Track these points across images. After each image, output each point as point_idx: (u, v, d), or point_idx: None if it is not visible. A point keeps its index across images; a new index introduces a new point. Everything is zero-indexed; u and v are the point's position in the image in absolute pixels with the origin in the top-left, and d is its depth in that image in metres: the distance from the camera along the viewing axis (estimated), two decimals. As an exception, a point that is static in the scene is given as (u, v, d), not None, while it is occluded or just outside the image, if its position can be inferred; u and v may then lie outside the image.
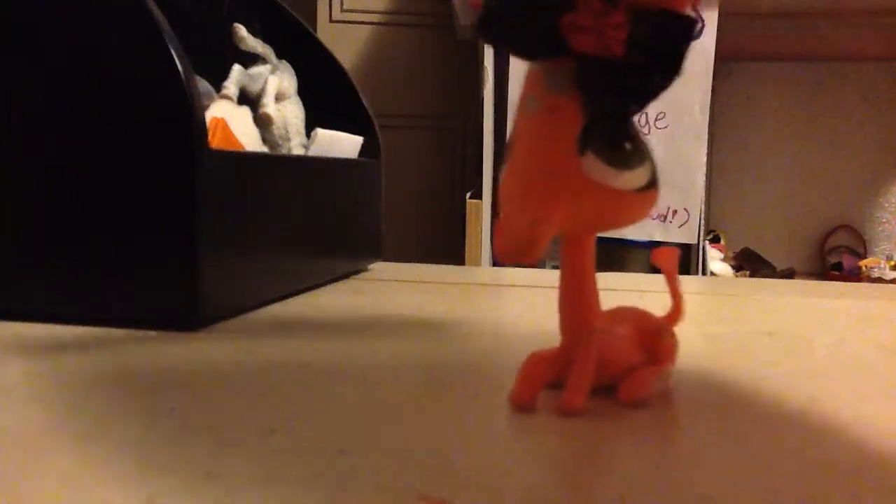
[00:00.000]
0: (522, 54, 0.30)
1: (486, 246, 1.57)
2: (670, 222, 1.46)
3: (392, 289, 0.66)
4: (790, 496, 0.25)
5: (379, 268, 0.76)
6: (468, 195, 1.61)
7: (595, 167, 0.29)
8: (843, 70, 2.14)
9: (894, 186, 2.18)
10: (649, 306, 0.37)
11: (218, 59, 0.65)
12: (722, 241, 2.07)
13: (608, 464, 0.28)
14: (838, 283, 0.88)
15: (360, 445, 0.29)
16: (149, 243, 0.47)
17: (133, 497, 0.24)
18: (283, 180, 0.57)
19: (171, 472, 0.26)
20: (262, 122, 0.67)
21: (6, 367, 0.39)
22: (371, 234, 0.73)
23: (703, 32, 1.41)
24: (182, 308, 0.47)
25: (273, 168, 0.57)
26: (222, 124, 0.58)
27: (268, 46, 0.70)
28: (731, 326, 0.53)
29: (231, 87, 0.64)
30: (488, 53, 1.56)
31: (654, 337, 0.36)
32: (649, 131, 1.41)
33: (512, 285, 0.70)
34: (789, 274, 2.03)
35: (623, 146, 0.29)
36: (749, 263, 2.02)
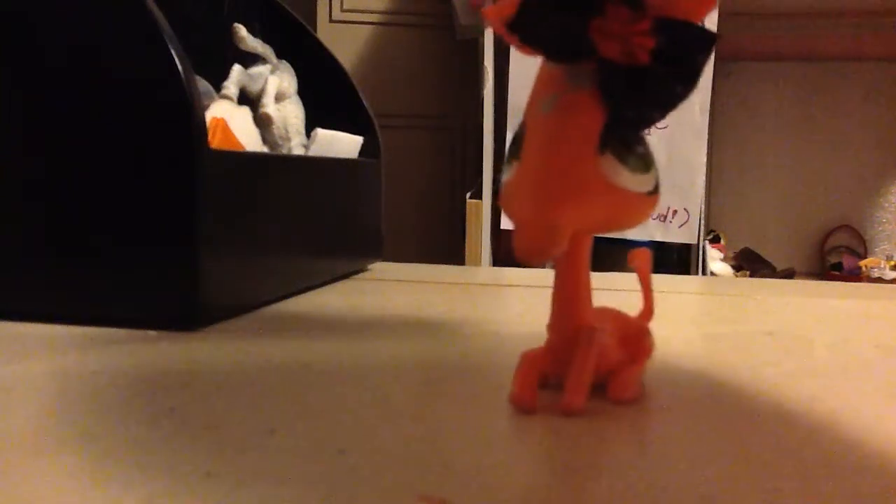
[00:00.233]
0: (549, 55, 0.30)
1: (486, 246, 1.57)
2: (670, 222, 1.46)
3: (392, 289, 0.66)
4: (790, 496, 0.25)
5: (379, 268, 0.76)
6: (468, 195, 1.61)
7: (612, 167, 0.29)
8: (843, 70, 2.14)
9: (894, 186, 2.18)
10: (630, 309, 0.38)
11: (218, 59, 0.65)
12: (722, 241, 2.07)
13: (608, 464, 0.28)
14: (838, 283, 0.88)
15: (360, 445, 0.29)
16: (149, 243, 0.47)
17: (133, 497, 0.24)
18: (283, 180, 0.57)
19: (171, 472, 0.26)
20: (262, 122, 0.67)
21: (6, 367, 0.39)
22: (371, 234, 0.73)
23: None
24: (182, 308, 0.47)
25: (273, 168, 0.57)
26: (222, 124, 0.58)
27: (268, 46, 0.70)
28: (731, 326, 0.53)
29: (231, 87, 0.64)
30: (488, 53, 1.56)
31: (635, 337, 0.36)
32: (650, 132, 1.41)
33: (512, 285, 0.70)
34: (789, 274, 2.03)
35: (638, 150, 0.30)
36: (749, 263, 2.02)
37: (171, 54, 0.45)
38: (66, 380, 0.36)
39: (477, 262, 1.56)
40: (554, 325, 0.34)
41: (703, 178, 1.46)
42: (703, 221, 1.50)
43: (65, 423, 0.31)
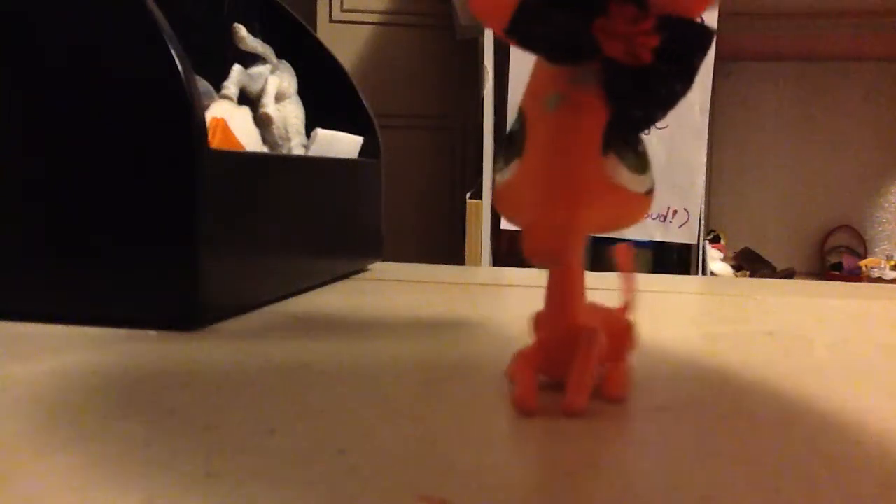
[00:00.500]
0: (551, 58, 0.30)
1: (486, 246, 1.57)
2: (670, 222, 1.46)
3: (392, 289, 0.66)
4: (790, 496, 0.25)
5: (379, 268, 0.76)
6: (468, 195, 1.61)
7: (615, 168, 0.30)
8: (843, 70, 2.15)
9: (894, 186, 2.18)
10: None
11: (218, 59, 0.65)
12: (722, 241, 2.07)
13: (608, 464, 0.28)
14: (838, 283, 0.88)
15: (360, 445, 0.29)
16: (149, 243, 0.47)
17: (133, 497, 0.24)
18: (283, 180, 0.57)
19: (171, 472, 0.26)
20: (262, 122, 0.67)
21: (6, 367, 0.39)
22: (371, 234, 0.73)
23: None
24: (182, 308, 0.47)
25: (273, 168, 0.57)
26: (222, 124, 0.58)
27: (268, 46, 0.70)
28: (731, 326, 0.53)
29: (231, 87, 0.64)
30: (488, 53, 1.56)
31: (620, 333, 0.37)
32: (649, 132, 1.41)
33: (512, 285, 0.70)
34: (789, 274, 2.03)
35: (639, 150, 0.30)
36: (749, 263, 2.02)
37: (171, 54, 0.45)
38: (66, 380, 0.36)
39: (477, 262, 1.56)
40: (546, 324, 0.34)
41: (703, 178, 1.46)
42: (703, 221, 1.50)
43: (65, 423, 0.31)
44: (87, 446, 0.28)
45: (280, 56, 0.71)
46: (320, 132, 0.67)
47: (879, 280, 1.92)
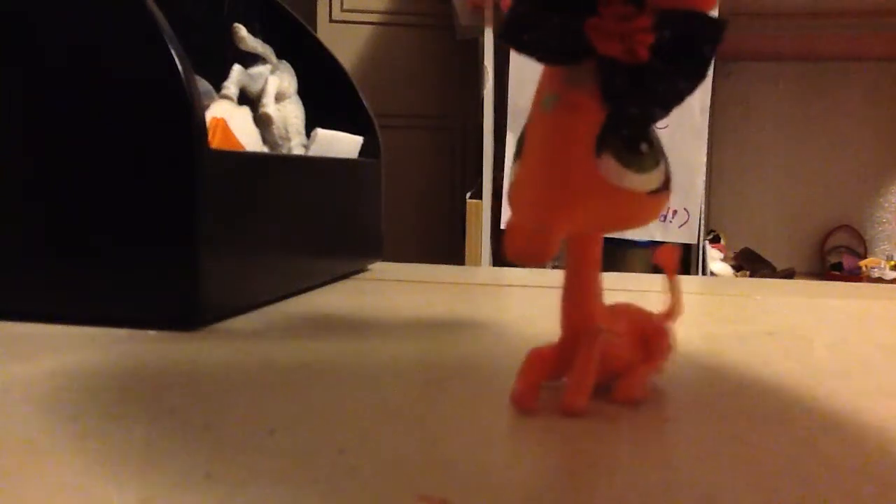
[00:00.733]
0: (546, 60, 0.29)
1: (486, 246, 1.57)
2: (670, 222, 1.46)
3: (392, 289, 0.66)
4: (790, 496, 0.25)
5: (379, 268, 0.76)
6: (468, 195, 1.61)
7: (611, 169, 0.29)
8: (843, 70, 2.15)
9: (894, 186, 2.18)
10: (649, 307, 0.37)
11: (218, 59, 0.65)
12: (722, 241, 2.07)
13: (609, 464, 0.28)
14: (838, 283, 0.88)
15: (360, 445, 0.29)
16: (149, 243, 0.47)
17: (133, 497, 0.24)
18: (283, 180, 0.57)
19: (171, 472, 0.26)
20: (262, 122, 0.67)
21: (6, 367, 0.39)
22: (371, 234, 0.73)
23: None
24: (182, 308, 0.47)
25: (273, 168, 0.57)
26: (222, 124, 0.58)
27: (268, 46, 0.70)
28: (731, 326, 0.53)
29: (231, 87, 0.64)
30: (488, 53, 1.56)
31: (651, 335, 0.36)
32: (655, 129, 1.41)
33: (512, 285, 0.70)
34: (789, 274, 2.03)
35: (640, 149, 0.29)
36: (749, 263, 2.02)
37: (171, 54, 0.45)
38: (66, 380, 0.36)
39: (477, 262, 1.56)
40: (563, 324, 0.33)
41: (703, 178, 1.46)
42: (703, 221, 1.50)
43: (65, 424, 0.31)
44: (87, 446, 0.28)
45: (280, 56, 0.71)
46: (320, 132, 0.67)
47: (879, 280, 1.92)
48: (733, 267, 1.95)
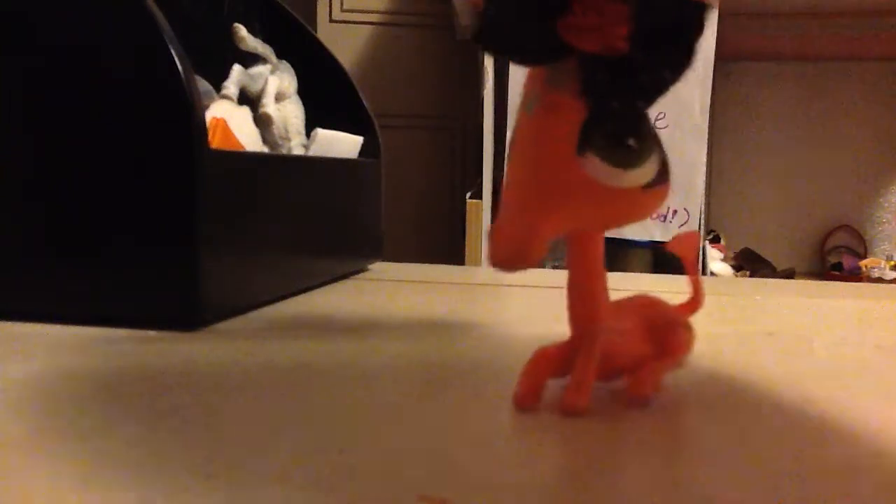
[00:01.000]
0: (524, 62, 0.29)
1: (486, 246, 1.57)
2: (670, 222, 1.45)
3: (392, 289, 0.66)
4: (790, 496, 0.25)
5: (379, 268, 0.76)
6: (468, 195, 1.61)
7: (597, 167, 0.27)
8: (843, 70, 2.14)
9: (894, 186, 2.18)
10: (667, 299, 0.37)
11: (218, 59, 0.65)
12: (722, 241, 2.07)
13: (609, 464, 0.28)
14: (838, 283, 0.88)
15: (360, 445, 0.29)
16: (149, 243, 0.47)
17: (132, 497, 0.24)
18: (283, 180, 0.57)
19: (171, 472, 0.26)
20: (262, 122, 0.67)
21: (6, 367, 0.39)
22: (371, 234, 0.73)
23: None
24: (182, 308, 0.47)
25: (273, 168, 0.57)
26: (222, 124, 0.58)
27: (268, 46, 0.70)
28: (731, 326, 0.53)
29: (231, 87, 0.64)
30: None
31: (665, 328, 0.35)
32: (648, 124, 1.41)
33: (512, 285, 0.70)
34: (789, 274, 2.03)
35: (627, 144, 0.28)
36: (749, 263, 2.02)
37: (171, 54, 0.45)
38: (66, 380, 0.36)
39: (477, 262, 1.56)
40: (571, 322, 0.33)
41: (703, 178, 1.46)
42: (703, 221, 1.50)
43: (65, 424, 0.31)
44: (87, 446, 0.28)
45: (280, 56, 0.71)
46: (320, 132, 0.67)
47: (879, 280, 1.92)
48: (733, 267, 1.95)
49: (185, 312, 0.47)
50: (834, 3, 1.60)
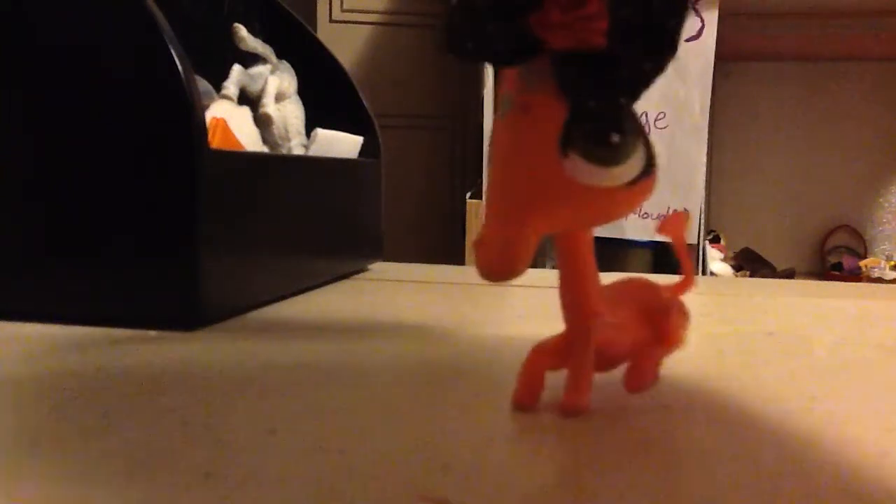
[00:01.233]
0: (497, 63, 0.28)
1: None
2: (670, 222, 1.45)
3: (392, 289, 0.66)
4: (790, 496, 0.25)
5: (379, 268, 0.76)
6: (468, 195, 1.61)
7: (580, 168, 0.26)
8: (843, 70, 2.14)
9: (894, 186, 2.18)
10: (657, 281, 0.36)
11: (218, 59, 0.65)
12: (722, 241, 2.07)
13: (609, 464, 0.28)
14: (838, 283, 0.88)
15: (360, 445, 0.29)
16: (149, 243, 0.47)
17: (132, 497, 0.24)
18: (283, 180, 0.57)
19: (171, 472, 0.26)
20: (262, 122, 0.67)
21: (6, 367, 0.39)
22: (371, 234, 0.73)
23: (703, 32, 1.41)
24: (182, 308, 0.47)
25: (273, 168, 0.57)
26: (222, 124, 0.58)
27: (268, 46, 0.70)
28: (731, 326, 0.53)
29: (231, 87, 0.64)
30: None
31: (660, 312, 0.34)
32: (649, 131, 1.41)
33: (512, 285, 0.70)
34: (789, 274, 2.03)
35: (610, 141, 0.26)
36: (749, 263, 2.02)
37: (171, 54, 0.45)
38: (66, 380, 0.36)
39: (477, 262, 1.56)
40: (564, 317, 0.33)
41: (703, 177, 1.46)
42: (703, 221, 1.50)
43: (65, 423, 0.31)
44: (87, 446, 0.28)
45: (280, 56, 0.71)
46: (320, 132, 0.67)
47: (879, 280, 1.92)
48: (733, 267, 1.95)
49: (185, 312, 0.47)
50: (834, 3, 1.60)
